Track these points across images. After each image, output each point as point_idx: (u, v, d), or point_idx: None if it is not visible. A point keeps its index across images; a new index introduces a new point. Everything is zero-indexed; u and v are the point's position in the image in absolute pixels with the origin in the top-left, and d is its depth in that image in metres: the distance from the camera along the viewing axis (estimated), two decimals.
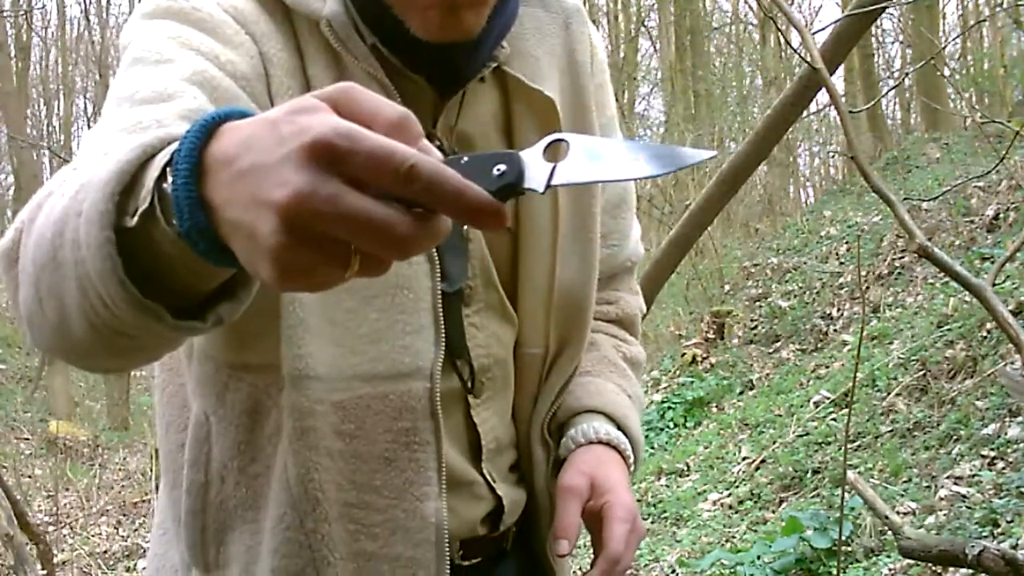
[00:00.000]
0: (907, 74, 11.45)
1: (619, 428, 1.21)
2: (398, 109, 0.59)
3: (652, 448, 7.18)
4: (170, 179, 0.62)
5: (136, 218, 0.65)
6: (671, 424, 7.57)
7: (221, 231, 0.61)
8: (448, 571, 1.08)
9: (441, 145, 1.09)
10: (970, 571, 3.13)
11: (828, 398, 6.22)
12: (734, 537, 5.14)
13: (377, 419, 1.04)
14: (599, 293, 1.26)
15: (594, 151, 0.62)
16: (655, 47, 17.86)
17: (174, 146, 0.63)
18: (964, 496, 4.45)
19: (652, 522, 5.80)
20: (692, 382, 7.98)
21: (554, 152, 0.63)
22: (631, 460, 1.21)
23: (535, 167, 0.63)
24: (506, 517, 1.17)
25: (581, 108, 1.18)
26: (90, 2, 18.01)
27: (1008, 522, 4.04)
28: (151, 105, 0.90)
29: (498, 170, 0.62)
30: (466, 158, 0.62)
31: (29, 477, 8.33)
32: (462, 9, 0.99)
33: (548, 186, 0.62)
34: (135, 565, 6.21)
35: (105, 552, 6.64)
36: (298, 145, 0.56)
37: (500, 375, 1.16)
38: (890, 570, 4.14)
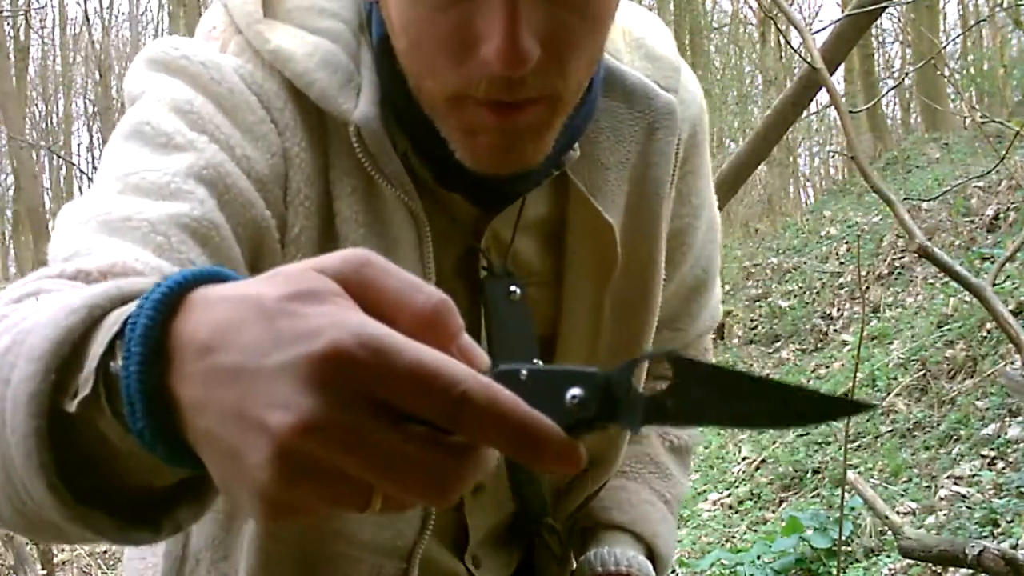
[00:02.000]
0: (907, 74, 11.45)
1: (648, 547, 1.11)
2: (431, 298, 0.46)
3: None
4: (120, 361, 0.48)
5: (76, 406, 0.50)
6: None
7: (188, 435, 0.47)
8: None
9: (490, 266, 0.94)
10: (970, 571, 3.13)
11: None
12: (734, 537, 5.14)
13: None
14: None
15: (705, 387, 0.46)
16: None
17: (127, 310, 0.49)
18: (964, 496, 4.45)
19: None
20: None
21: (642, 372, 0.49)
22: None
23: (623, 396, 0.47)
24: None
25: (646, 235, 0.98)
26: (90, 2, 18.03)
27: (1008, 522, 4.04)
28: (147, 200, 0.76)
29: (573, 396, 0.46)
30: (525, 372, 0.47)
31: None
32: (521, 136, 0.81)
33: (642, 424, 0.47)
34: None
35: (105, 552, 6.64)
36: (305, 355, 0.42)
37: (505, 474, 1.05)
38: (890, 570, 4.14)
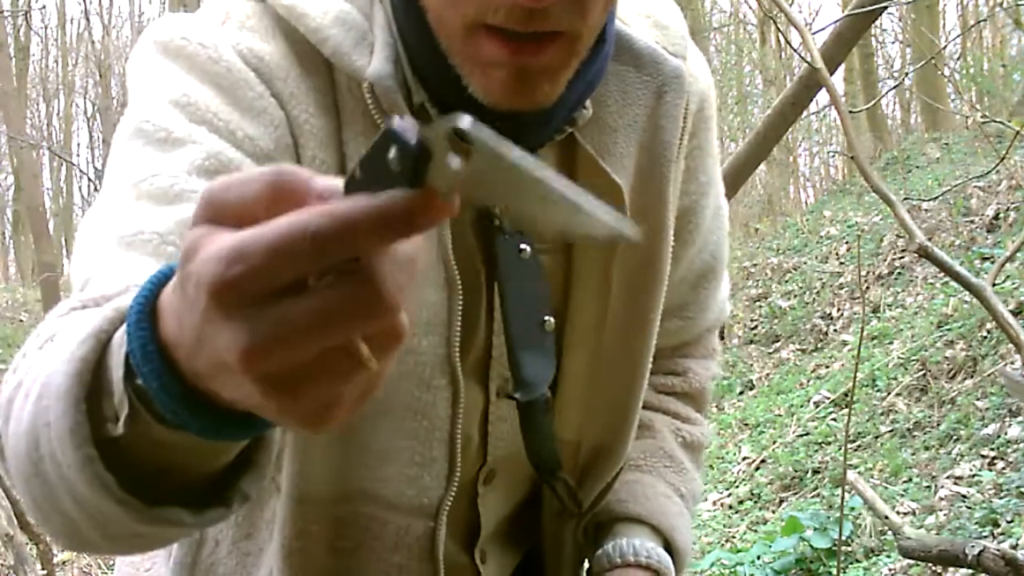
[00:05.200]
0: (907, 74, 11.44)
1: (665, 540, 1.10)
2: (263, 178, 0.47)
3: None
4: (140, 379, 0.52)
5: (121, 427, 0.55)
6: None
7: (225, 403, 0.50)
8: None
9: (500, 223, 0.94)
10: (970, 571, 3.13)
11: (828, 398, 6.22)
12: (734, 537, 5.14)
13: (375, 543, 0.96)
14: (665, 362, 1.15)
15: (500, 180, 0.45)
16: None
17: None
18: (964, 496, 4.45)
19: None
20: None
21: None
22: None
23: (431, 126, 0.45)
24: None
25: (655, 199, 0.99)
26: (90, 2, 18.04)
27: (1008, 522, 4.04)
28: (156, 207, 0.78)
29: (393, 154, 0.46)
30: (359, 171, 0.47)
31: None
32: (536, 75, 0.82)
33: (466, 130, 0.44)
34: None
35: None
36: (204, 303, 0.45)
37: (518, 459, 1.04)
38: (890, 570, 4.14)
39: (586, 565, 1.14)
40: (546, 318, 0.96)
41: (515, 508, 1.09)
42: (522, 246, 0.95)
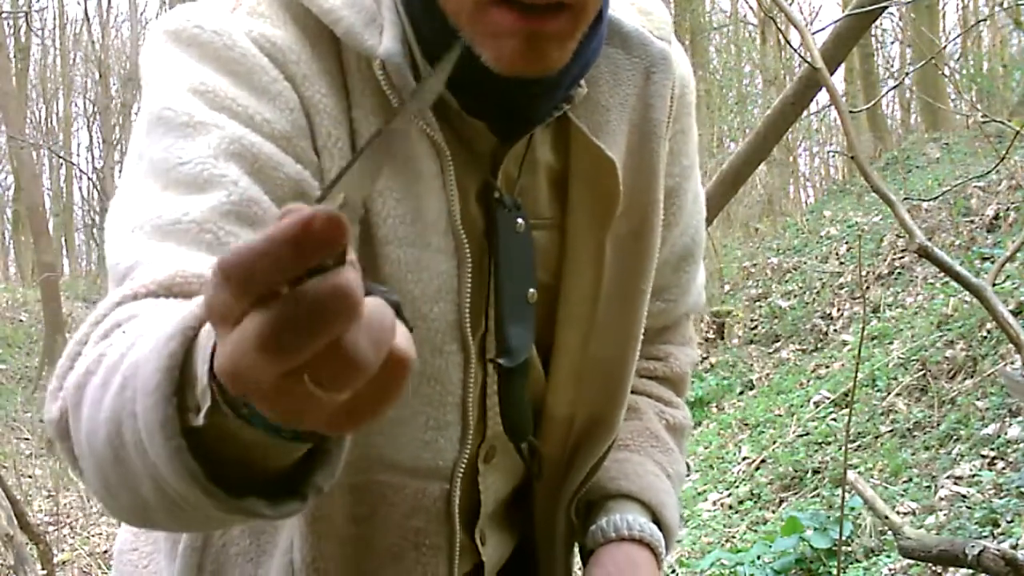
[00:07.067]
0: (907, 74, 11.44)
1: (655, 517, 1.13)
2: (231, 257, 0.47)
3: None
4: None
5: (202, 418, 0.57)
6: None
7: None
8: None
9: (500, 197, 0.98)
10: (970, 571, 3.13)
11: (828, 398, 6.22)
12: (734, 537, 5.13)
13: (391, 509, 0.98)
14: (647, 347, 1.17)
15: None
16: None
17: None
18: (964, 496, 4.44)
19: None
20: (692, 382, 7.94)
21: None
22: (664, 556, 1.12)
23: None
24: (486, 574, 1.11)
25: (647, 173, 1.03)
26: (90, 2, 18.04)
27: (1008, 522, 4.04)
28: (188, 196, 0.81)
29: None
30: None
31: (29, 477, 8.32)
32: (545, 41, 0.86)
33: None
34: None
35: (105, 552, 6.64)
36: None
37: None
38: (890, 570, 4.14)
39: (577, 548, 1.16)
40: (531, 290, 1.01)
41: (512, 493, 1.11)
42: (518, 220, 0.99)
